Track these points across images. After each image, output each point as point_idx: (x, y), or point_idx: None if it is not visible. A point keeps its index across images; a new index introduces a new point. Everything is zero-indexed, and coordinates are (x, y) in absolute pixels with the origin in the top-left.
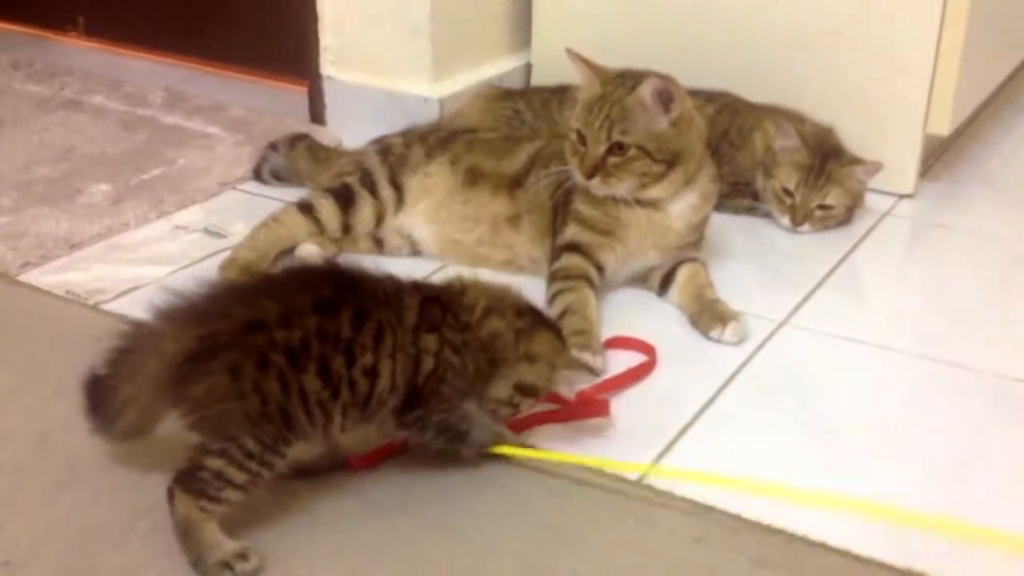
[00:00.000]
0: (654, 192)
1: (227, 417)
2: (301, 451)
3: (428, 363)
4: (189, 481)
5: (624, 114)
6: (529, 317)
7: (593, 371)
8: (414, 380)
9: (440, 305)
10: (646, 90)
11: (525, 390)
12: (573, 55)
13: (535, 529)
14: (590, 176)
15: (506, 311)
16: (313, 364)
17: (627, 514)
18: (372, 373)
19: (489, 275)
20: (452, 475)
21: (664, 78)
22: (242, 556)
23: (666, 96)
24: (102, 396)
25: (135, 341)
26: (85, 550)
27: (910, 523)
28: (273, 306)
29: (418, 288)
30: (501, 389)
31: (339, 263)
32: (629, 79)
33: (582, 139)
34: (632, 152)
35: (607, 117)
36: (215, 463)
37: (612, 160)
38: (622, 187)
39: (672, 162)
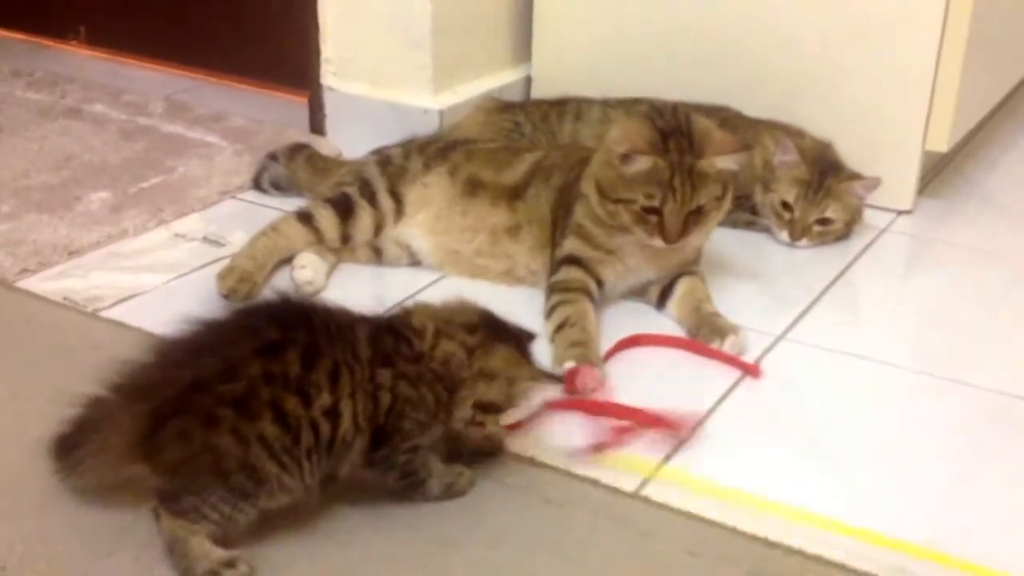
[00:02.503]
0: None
1: (192, 478)
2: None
3: (385, 399)
4: (172, 504)
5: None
6: (483, 332)
7: (557, 379)
8: (376, 419)
9: (391, 334)
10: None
11: (486, 407)
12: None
13: (532, 541)
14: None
15: (456, 331)
16: (267, 410)
17: (623, 526)
18: (333, 414)
19: (487, 286)
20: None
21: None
22: (230, 564)
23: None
24: (66, 451)
25: (96, 415)
26: (79, 557)
27: (905, 551)
28: (213, 362)
29: (367, 320)
30: (462, 409)
31: (286, 300)
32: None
33: (654, 210)
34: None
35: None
36: (192, 500)
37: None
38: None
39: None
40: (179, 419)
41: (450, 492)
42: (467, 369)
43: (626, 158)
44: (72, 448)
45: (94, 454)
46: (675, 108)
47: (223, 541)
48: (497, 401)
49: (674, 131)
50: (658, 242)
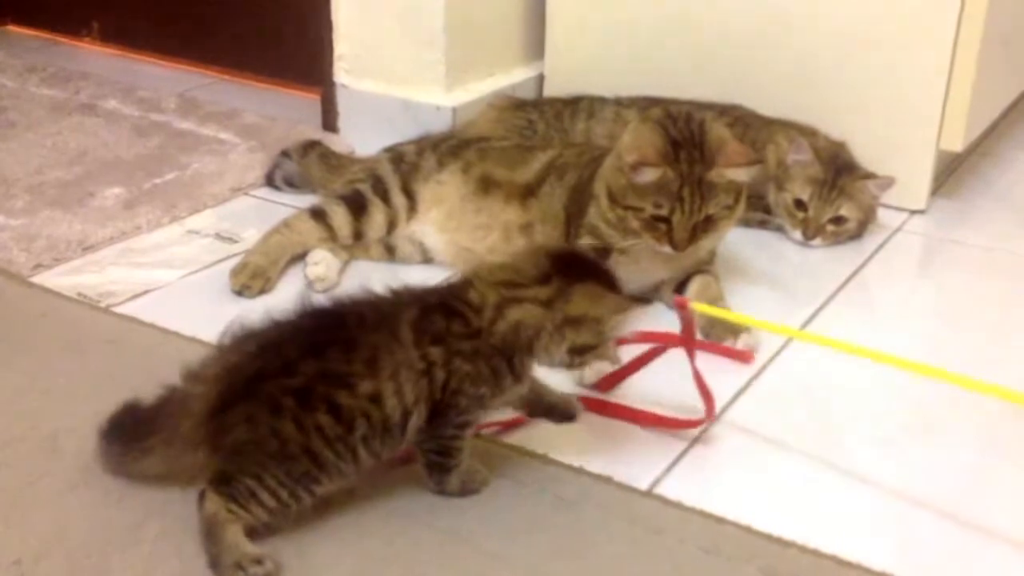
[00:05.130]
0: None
1: (253, 459)
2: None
3: (440, 375)
4: (222, 485)
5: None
6: (557, 279)
7: (645, 302)
8: (432, 395)
9: (443, 313)
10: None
11: (582, 351)
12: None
13: (545, 538)
14: (687, 247)
15: (525, 290)
16: (321, 403)
17: (636, 524)
18: (376, 399)
19: None
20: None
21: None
22: (257, 561)
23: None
24: (125, 439)
25: (168, 402)
26: (95, 551)
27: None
28: (275, 358)
29: (419, 299)
30: (555, 355)
31: (333, 301)
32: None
33: (663, 219)
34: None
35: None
36: (249, 482)
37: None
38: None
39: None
40: (246, 404)
41: (465, 489)
42: (549, 321)
43: (636, 168)
44: (144, 434)
45: (167, 441)
46: (689, 116)
47: (252, 535)
48: (590, 342)
49: (686, 140)
50: (667, 249)
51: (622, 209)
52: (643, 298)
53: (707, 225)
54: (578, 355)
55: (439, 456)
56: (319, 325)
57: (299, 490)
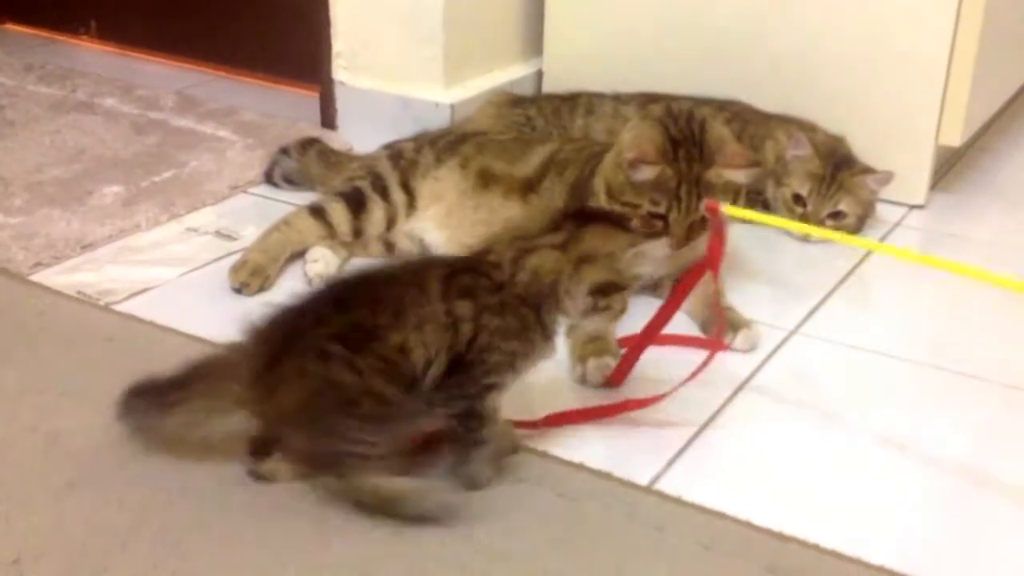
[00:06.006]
0: None
1: (318, 417)
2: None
3: (466, 329)
4: (322, 464)
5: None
6: (568, 224)
7: (655, 235)
8: (455, 347)
9: (470, 272)
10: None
11: (604, 289)
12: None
13: (545, 534)
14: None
15: (538, 239)
16: (364, 349)
17: (636, 520)
18: (403, 350)
19: None
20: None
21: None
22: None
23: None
24: (151, 395)
25: (202, 367)
26: (94, 549)
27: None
28: (307, 317)
29: (448, 263)
30: (577, 299)
31: (361, 270)
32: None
33: (660, 216)
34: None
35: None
36: (336, 443)
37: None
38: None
39: None
40: (292, 359)
41: (474, 483)
42: (565, 263)
43: (634, 164)
44: (172, 389)
45: (202, 393)
46: (690, 114)
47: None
48: (611, 279)
49: (686, 139)
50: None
51: (620, 205)
52: (655, 232)
53: (704, 224)
54: (601, 295)
55: (465, 423)
56: (345, 285)
57: (379, 429)
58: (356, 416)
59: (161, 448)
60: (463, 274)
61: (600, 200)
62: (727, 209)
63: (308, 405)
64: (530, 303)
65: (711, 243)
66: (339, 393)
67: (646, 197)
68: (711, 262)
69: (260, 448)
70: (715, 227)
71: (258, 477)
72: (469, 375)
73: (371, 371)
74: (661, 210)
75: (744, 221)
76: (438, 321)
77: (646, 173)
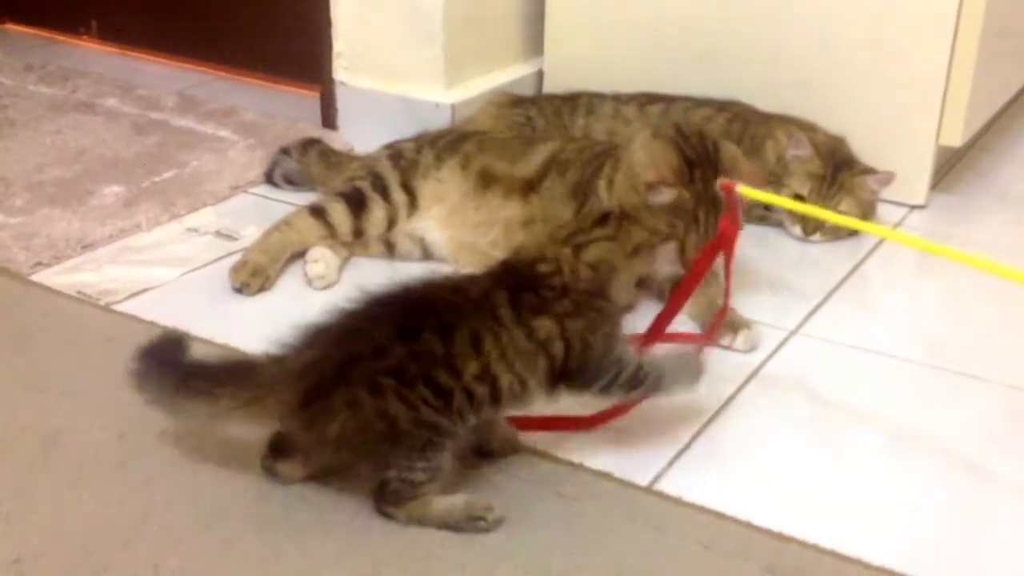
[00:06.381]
0: None
1: (369, 444)
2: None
3: (558, 348)
4: (386, 497)
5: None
6: (613, 218)
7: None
8: (554, 367)
9: (530, 290)
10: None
11: (643, 283)
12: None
13: (545, 534)
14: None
15: (591, 234)
16: (419, 380)
17: (636, 520)
18: (487, 376)
19: None
20: (463, 480)
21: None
22: (487, 508)
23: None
24: (188, 376)
25: (238, 366)
26: (95, 548)
27: (919, 545)
28: (363, 343)
29: (498, 281)
30: (627, 290)
31: (409, 288)
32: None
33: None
34: None
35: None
36: (391, 474)
37: None
38: None
39: None
40: (345, 389)
41: (694, 377)
42: (620, 255)
43: (652, 187)
44: (204, 377)
45: (232, 395)
46: (701, 134)
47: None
48: (648, 272)
49: (701, 159)
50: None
51: None
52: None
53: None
54: (642, 288)
55: (638, 386)
56: (406, 310)
57: (433, 454)
58: (407, 445)
59: (177, 426)
60: (526, 293)
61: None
62: (742, 190)
63: (357, 439)
64: (598, 293)
65: (724, 224)
66: (389, 425)
67: (663, 220)
68: (726, 242)
69: (281, 448)
70: (730, 206)
71: (272, 473)
72: (586, 373)
73: (422, 403)
74: (679, 234)
75: (760, 203)
76: (520, 347)
77: (664, 196)
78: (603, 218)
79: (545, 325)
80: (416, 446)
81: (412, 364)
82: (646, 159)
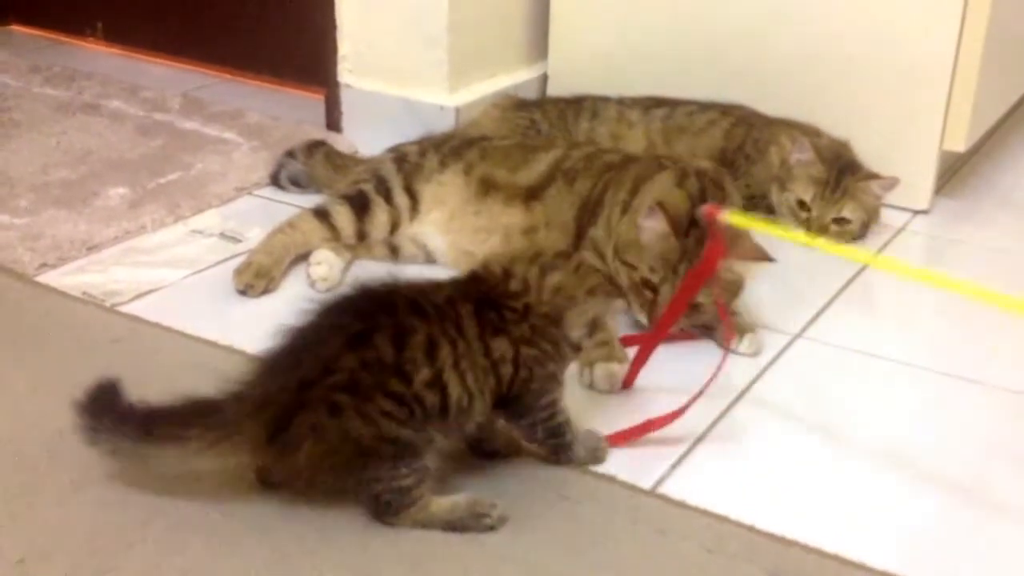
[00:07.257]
0: None
1: (341, 467)
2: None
3: (507, 371)
4: (382, 510)
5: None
6: (576, 259)
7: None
8: (499, 389)
9: (493, 306)
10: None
11: (594, 325)
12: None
13: (548, 537)
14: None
15: (557, 260)
16: (376, 391)
17: (640, 523)
18: (438, 384)
19: None
20: (466, 483)
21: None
22: (491, 505)
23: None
24: (147, 422)
25: (199, 405)
26: (99, 549)
27: (922, 548)
28: (313, 362)
29: (464, 292)
30: (579, 326)
31: (366, 290)
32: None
33: (651, 286)
34: None
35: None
36: (378, 487)
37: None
38: None
39: None
40: (304, 415)
41: (595, 457)
42: (579, 289)
43: (652, 210)
44: (165, 421)
45: (199, 437)
46: (722, 186)
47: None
48: (600, 317)
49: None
50: (641, 317)
51: (620, 262)
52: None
53: (690, 309)
54: (587, 333)
55: (554, 439)
56: (357, 314)
57: (408, 464)
58: (379, 459)
59: (140, 473)
60: (489, 310)
61: (608, 250)
62: (729, 216)
63: (328, 463)
64: (555, 319)
65: (708, 250)
66: (355, 444)
67: (645, 261)
68: (707, 271)
69: (265, 479)
70: (713, 234)
71: (266, 484)
72: (526, 408)
73: (382, 416)
74: (655, 279)
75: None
76: (476, 361)
77: (655, 225)
78: (568, 251)
79: (501, 346)
80: (387, 459)
81: (364, 374)
82: (659, 194)
